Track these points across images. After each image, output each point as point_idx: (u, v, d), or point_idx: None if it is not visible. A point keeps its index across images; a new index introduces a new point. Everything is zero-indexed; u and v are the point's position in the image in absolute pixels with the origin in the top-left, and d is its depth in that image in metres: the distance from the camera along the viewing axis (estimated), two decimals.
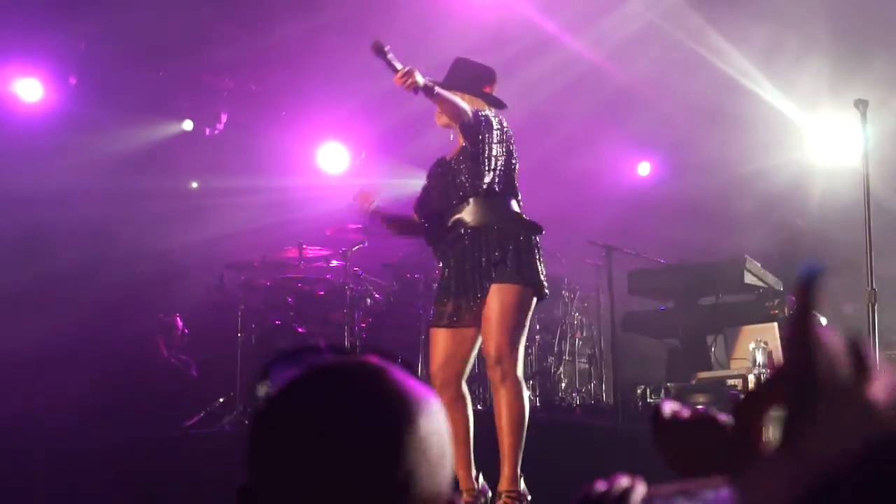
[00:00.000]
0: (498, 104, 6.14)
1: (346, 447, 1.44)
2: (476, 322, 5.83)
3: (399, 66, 5.60)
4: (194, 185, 11.41)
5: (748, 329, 9.20)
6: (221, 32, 10.37)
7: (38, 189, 10.00)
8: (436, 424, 1.50)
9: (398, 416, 1.46)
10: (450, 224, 5.92)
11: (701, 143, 11.24)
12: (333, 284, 9.84)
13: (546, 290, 5.94)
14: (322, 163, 11.77)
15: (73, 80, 10.40)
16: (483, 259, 5.80)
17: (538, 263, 5.87)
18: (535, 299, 5.86)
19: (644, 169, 12.09)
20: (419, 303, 9.55)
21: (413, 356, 9.46)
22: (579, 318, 10.08)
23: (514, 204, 5.96)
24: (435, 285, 6.23)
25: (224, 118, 11.32)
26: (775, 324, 9.11)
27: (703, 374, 9.18)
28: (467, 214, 5.87)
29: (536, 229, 5.93)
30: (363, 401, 1.47)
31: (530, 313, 5.89)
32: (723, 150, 11.18)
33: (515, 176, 6.01)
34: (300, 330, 9.72)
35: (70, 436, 8.48)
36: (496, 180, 5.88)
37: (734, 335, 9.45)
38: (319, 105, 11.14)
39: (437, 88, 5.67)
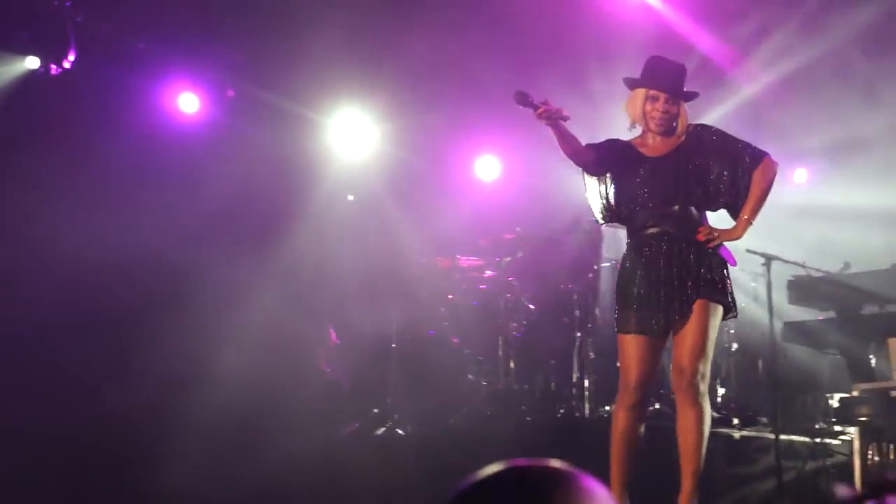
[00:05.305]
0: (692, 99, 5.96)
1: None
2: (669, 333, 5.77)
3: None
4: (350, 197, 11.42)
5: None
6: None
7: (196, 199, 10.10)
8: None
9: None
10: (652, 223, 5.81)
11: (855, 148, 10.95)
12: (487, 294, 9.81)
13: (735, 315, 5.94)
14: (479, 172, 11.78)
15: (230, 93, 10.54)
16: (698, 272, 5.71)
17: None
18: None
19: (800, 176, 11.79)
20: (573, 312, 9.47)
21: (567, 366, 9.40)
22: (734, 327, 9.89)
23: None
24: (604, 286, 6.19)
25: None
26: None
27: (865, 385, 8.94)
28: (685, 224, 5.80)
29: (733, 259, 5.93)
30: None
31: None
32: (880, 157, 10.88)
33: None
34: (454, 340, 9.71)
35: (226, 444, 8.55)
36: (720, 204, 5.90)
37: None
38: (475, 121, 11.14)
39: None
